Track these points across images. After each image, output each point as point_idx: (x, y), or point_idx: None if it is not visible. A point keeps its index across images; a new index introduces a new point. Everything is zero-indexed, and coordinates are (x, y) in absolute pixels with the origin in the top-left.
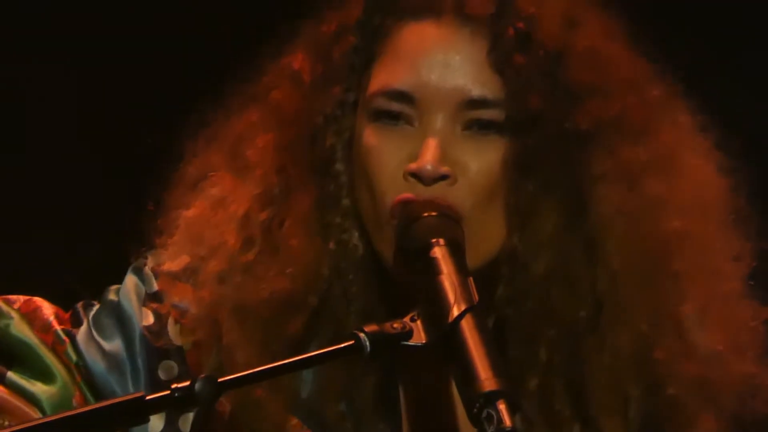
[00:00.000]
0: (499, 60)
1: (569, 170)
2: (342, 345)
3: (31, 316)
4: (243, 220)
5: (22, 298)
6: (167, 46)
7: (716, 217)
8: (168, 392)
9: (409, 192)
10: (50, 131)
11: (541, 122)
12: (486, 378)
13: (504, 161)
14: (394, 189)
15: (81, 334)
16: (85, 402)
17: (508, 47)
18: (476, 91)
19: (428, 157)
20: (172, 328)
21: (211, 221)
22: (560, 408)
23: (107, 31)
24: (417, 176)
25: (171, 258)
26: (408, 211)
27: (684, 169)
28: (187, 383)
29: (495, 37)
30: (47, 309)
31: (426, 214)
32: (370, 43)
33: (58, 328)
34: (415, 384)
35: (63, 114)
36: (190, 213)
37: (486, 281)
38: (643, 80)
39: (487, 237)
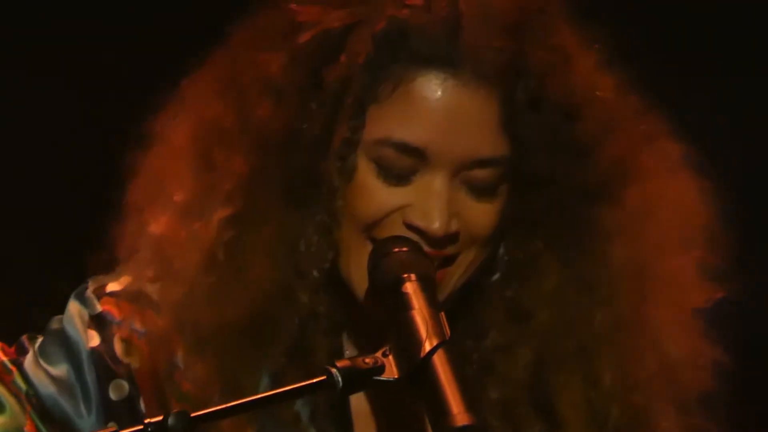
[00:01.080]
0: (511, 119)
1: (578, 226)
2: (314, 380)
3: None
4: (206, 242)
5: None
6: (132, 47)
7: (696, 256)
8: (141, 427)
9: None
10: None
11: (549, 180)
12: (458, 412)
13: (505, 213)
14: (391, 231)
15: (27, 362)
16: (37, 430)
17: (520, 107)
18: (486, 151)
19: (437, 216)
20: (119, 347)
21: (175, 240)
22: (524, 415)
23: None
24: (422, 233)
25: (113, 279)
26: (379, 247)
27: (672, 206)
28: (160, 418)
29: (507, 96)
30: None
31: (396, 249)
32: (374, 80)
33: (4, 359)
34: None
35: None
36: (154, 229)
37: (469, 326)
38: (635, 116)
39: (469, 277)
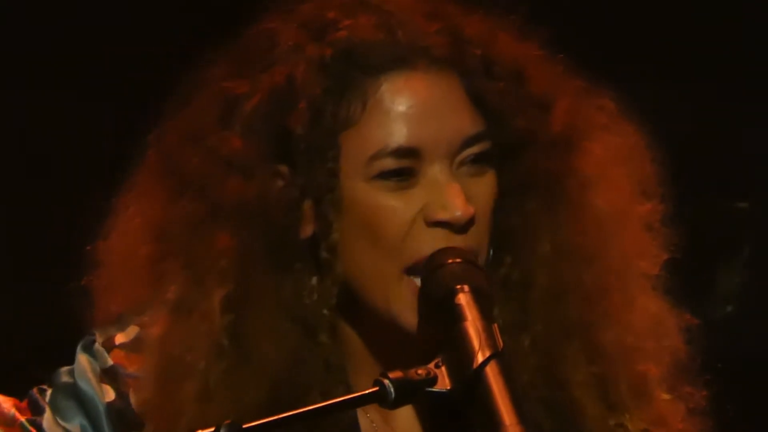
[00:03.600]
0: (474, 91)
1: (559, 180)
2: (367, 391)
3: None
4: (208, 330)
5: None
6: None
7: (654, 204)
8: None
9: (443, 241)
10: None
11: (525, 141)
12: (511, 424)
13: (499, 188)
14: (421, 241)
15: (46, 421)
16: None
17: (478, 77)
18: (470, 129)
19: (458, 205)
20: (134, 399)
21: (178, 337)
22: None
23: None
24: (448, 224)
25: (119, 329)
26: (432, 259)
27: (628, 155)
28: (212, 430)
29: (463, 71)
30: (5, 402)
31: (450, 261)
32: (343, 107)
33: (22, 419)
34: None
35: None
36: (154, 331)
37: None
38: (568, 70)
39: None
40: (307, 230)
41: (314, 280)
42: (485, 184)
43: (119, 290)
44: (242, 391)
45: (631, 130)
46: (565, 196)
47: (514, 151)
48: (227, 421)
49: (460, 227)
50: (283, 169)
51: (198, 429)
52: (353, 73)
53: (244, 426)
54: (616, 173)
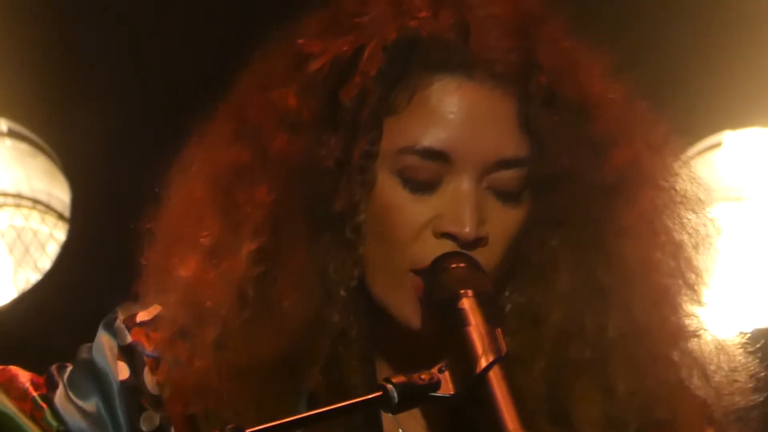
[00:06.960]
0: (528, 118)
1: (593, 224)
2: (370, 396)
3: (7, 386)
4: (236, 279)
5: None
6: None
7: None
8: None
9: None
10: None
11: (568, 178)
12: (514, 429)
13: (528, 218)
14: (425, 250)
15: (58, 397)
16: None
17: (536, 105)
18: (508, 151)
19: (468, 221)
20: (148, 379)
21: (204, 282)
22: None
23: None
24: (455, 238)
25: (143, 308)
26: (436, 263)
27: (684, 208)
28: None
29: (523, 95)
30: (23, 376)
31: (454, 265)
32: (389, 92)
33: (35, 394)
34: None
35: None
36: (183, 273)
37: None
38: (645, 122)
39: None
40: (340, 204)
41: (338, 256)
42: (512, 215)
43: (175, 232)
44: (259, 342)
45: (689, 186)
46: (595, 240)
47: (552, 184)
48: (230, 426)
49: (466, 244)
50: (332, 138)
51: None
52: (409, 64)
53: (247, 431)
54: (659, 228)
